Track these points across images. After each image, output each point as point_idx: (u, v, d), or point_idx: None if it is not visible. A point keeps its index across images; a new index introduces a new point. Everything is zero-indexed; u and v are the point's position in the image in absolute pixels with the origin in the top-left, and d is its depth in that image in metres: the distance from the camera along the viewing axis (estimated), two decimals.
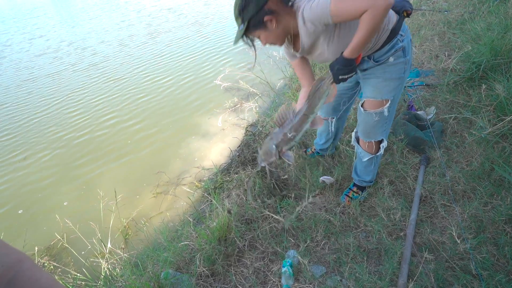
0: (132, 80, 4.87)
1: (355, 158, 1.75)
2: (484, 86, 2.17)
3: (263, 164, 1.29)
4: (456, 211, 1.55)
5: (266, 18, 1.11)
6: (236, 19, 1.14)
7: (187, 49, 5.80)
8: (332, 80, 1.18)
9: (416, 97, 2.52)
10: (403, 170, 1.91)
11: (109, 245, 2.01)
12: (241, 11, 1.10)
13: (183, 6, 9.54)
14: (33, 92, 5.08)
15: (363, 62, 1.32)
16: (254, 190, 1.87)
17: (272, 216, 1.69)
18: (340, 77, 1.13)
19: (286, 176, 1.92)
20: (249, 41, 1.19)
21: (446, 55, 2.96)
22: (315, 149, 2.14)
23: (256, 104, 3.46)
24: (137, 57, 5.78)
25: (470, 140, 1.93)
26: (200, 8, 8.77)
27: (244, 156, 2.36)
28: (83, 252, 2.08)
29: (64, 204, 2.69)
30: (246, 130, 3.01)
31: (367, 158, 1.60)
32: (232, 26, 6.55)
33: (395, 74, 1.29)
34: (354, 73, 1.13)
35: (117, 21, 8.77)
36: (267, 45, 1.22)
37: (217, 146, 3.04)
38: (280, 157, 1.25)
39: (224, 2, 9.07)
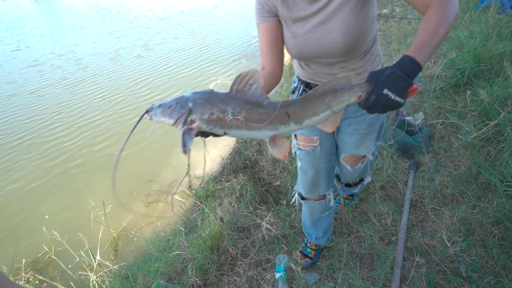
0: (123, 94, 4.82)
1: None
2: (468, 92, 2.22)
3: (153, 116, 0.71)
4: (445, 214, 1.57)
5: None
6: None
7: (180, 60, 5.80)
8: (364, 91, 0.68)
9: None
10: (394, 175, 1.93)
11: (98, 257, 1.96)
12: None
13: (176, 16, 9.58)
14: (22, 107, 4.91)
15: None
16: (247, 197, 1.87)
17: (264, 224, 1.68)
18: (387, 91, 0.63)
19: (278, 183, 1.92)
20: None
21: (432, 62, 3.04)
22: (316, 246, 1.56)
23: None
24: (128, 69, 5.72)
25: (457, 145, 1.97)
26: (193, 18, 8.83)
27: (236, 163, 2.36)
28: (70, 266, 2.02)
29: (47, 217, 2.62)
30: (237, 140, 3.01)
31: (348, 194, 1.51)
32: (224, 36, 6.61)
33: (377, 124, 1.13)
34: (403, 100, 0.64)
35: (109, 31, 8.67)
36: None
37: (208, 154, 3.02)
38: (179, 128, 0.68)
39: (218, 13, 9.17)
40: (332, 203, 1.37)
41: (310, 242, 1.55)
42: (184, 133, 0.65)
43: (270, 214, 1.70)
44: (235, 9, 8.71)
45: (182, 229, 1.95)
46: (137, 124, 0.72)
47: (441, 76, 2.65)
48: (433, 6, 0.72)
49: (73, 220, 2.53)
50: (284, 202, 1.85)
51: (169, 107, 0.68)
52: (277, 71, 0.96)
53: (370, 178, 1.45)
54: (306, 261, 1.51)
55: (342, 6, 0.85)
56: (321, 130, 1.05)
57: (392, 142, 2.07)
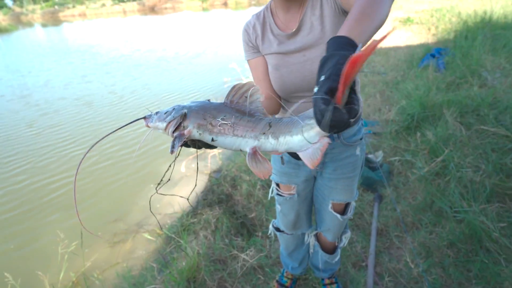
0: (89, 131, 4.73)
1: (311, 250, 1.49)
2: (418, 134, 2.56)
3: (149, 123, 0.74)
4: (408, 240, 1.71)
5: None
6: None
7: (151, 96, 5.90)
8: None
9: (365, 143, 2.85)
10: (360, 207, 2.08)
11: None
12: None
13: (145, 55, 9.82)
14: None
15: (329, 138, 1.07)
16: (222, 230, 1.88)
17: (241, 255, 1.69)
18: (331, 130, 0.52)
19: (253, 215, 1.97)
20: None
21: (387, 108, 3.45)
22: (292, 276, 1.59)
23: (220, 150, 3.57)
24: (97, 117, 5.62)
25: (413, 178, 2.20)
26: (167, 54, 9.10)
27: (211, 198, 2.38)
28: None
29: None
30: (210, 176, 3.05)
31: (326, 258, 1.40)
32: (193, 72, 6.88)
33: (359, 167, 1.15)
34: (346, 120, 0.50)
35: (82, 74, 8.02)
36: None
37: (181, 192, 3.00)
38: (169, 133, 0.70)
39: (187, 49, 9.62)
40: (307, 240, 1.42)
41: (286, 272, 1.58)
42: (175, 137, 0.67)
43: (246, 244, 1.73)
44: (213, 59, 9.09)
45: (155, 265, 1.87)
46: (127, 124, 0.75)
47: (395, 120, 3.00)
48: None
49: (27, 264, 2.31)
50: (260, 234, 1.89)
51: (165, 113, 0.71)
52: (276, 95, 0.99)
53: (349, 232, 1.38)
54: None
55: (320, 39, 0.88)
56: (298, 179, 1.16)
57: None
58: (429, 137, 2.39)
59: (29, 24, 32.07)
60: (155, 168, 3.47)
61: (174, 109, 0.70)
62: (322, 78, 0.49)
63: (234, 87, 0.68)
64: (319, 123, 0.51)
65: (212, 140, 0.69)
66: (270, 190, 1.28)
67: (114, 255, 2.34)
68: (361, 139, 1.10)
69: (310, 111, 0.61)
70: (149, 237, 2.43)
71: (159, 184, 0.89)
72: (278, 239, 1.49)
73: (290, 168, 1.15)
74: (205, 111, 0.68)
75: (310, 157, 0.65)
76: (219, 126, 0.67)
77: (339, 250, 1.40)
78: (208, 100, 0.72)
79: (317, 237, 1.40)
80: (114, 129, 0.76)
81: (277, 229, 1.40)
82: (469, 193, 1.85)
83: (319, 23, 0.88)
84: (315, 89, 0.50)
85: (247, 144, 0.69)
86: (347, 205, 1.21)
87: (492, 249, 1.52)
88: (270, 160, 1.09)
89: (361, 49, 0.48)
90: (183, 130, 0.68)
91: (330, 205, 1.19)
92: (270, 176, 0.68)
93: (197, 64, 8.09)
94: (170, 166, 0.86)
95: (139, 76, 7.30)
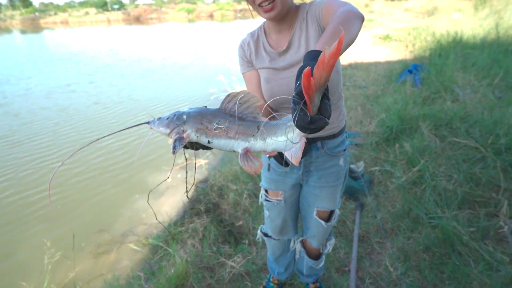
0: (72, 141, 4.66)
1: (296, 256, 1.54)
2: (397, 145, 2.70)
3: (152, 126, 0.81)
4: (387, 245, 1.81)
5: None
6: None
7: (136, 106, 5.86)
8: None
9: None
10: (343, 214, 2.17)
11: None
12: None
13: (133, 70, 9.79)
14: None
15: (314, 148, 1.14)
16: (210, 238, 1.91)
17: (228, 262, 1.73)
18: (304, 130, 0.59)
19: (240, 223, 2.02)
20: None
21: (368, 121, 3.61)
22: (278, 281, 1.64)
23: (207, 161, 3.61)
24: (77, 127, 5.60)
25: (392, 187, 2.32)
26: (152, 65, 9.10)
27: (198, 208, 2.41)
28: None
29: None
30: (196, 186, 3.07)
31: (311, 264, 1.46)
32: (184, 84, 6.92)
33: (343, 177, 1.23)
34: (321, 121, 0.56)
35: (66, 83, 7.85)
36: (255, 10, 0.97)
37: (167, 201, 3.01)
38: (172, 137, 0.77)
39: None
40: (292, 246, 1.48)
41: (272, 277, 1.63)
42: (176, 140, 0.74)
43: (233, 252, 1.76)
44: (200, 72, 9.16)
45: (141, 274, 1.87)
46: (130, 127, 0.82)
47: (375, 132, 3.16)
48: (334, 17, 0.78)
49: (12, 274, 2.24)
50: (247, 241, 1.93)
51: (167, 119, 0.78)
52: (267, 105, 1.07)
53: (333, 238, 1.44)
54: None
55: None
56: (285, 186, 1.24)
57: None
58: (406, 148, 2.54)
59: (7, 30, 31.18)
60: (139, 179, 3.46)
61: (175, 115, 0.77)
62: (297, 84, 0.57)
63: (229, 94, 0.75)
64: (294, 122, 0.57)
65: (208, 142, 0.76)
66: (260, 195, 1.35)
67: (98, 266, 2.31)
68: (344, 150, 1.18)
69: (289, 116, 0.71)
70: (134, 247, 2.42)
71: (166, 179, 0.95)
72: (266, 245, 1.54)
73: (277, 175, 1.23)
74: (202, 116, 0.75)
75: (293, 155, 0.72)
76: (215, 130, 0.74)
77: (323, 256, 1.46)
78: (205, 106, 0.80)
79: (303, 243, 1.46)
80: (117, 130, 0.83)
81: (265, 234, 1.46)
82: (442, 201, 1.97)
83: (305, 43, 0.99)
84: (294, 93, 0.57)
85: (239, 145, 0.76)
86: (331, 212, 1.28)
87: (463, 252, 1.64)
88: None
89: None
90: (182, 134, 0.75)
91: (315, 212, 1.26)
92: (259, 173, 0.75)
93: (183, 76, 8.14)
94: (172, 166, 0.93)
95: (125, 86, 7.24)
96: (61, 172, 3.63)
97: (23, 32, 29.00)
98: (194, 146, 0.78)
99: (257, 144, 0.76)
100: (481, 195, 1.99)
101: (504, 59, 4.00)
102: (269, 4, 0.91)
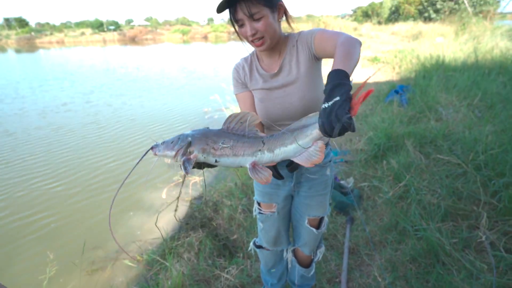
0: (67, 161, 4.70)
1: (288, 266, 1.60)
2: (384, 162, 2.84)
3: (157, 152, 0.84)
4: (376, 257, 1.89)
5: (279, 3, 1.04)
6: None
7: (134, 125, 5.93)
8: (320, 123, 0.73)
9: (338, 170, 3.10)
10: (334, 228, 2.25)
11: None
12: None
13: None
14: None
15: None
16: (205, 252, 1.96)
17: (223, 275, 1.78)
18: (329, 128, 0.71)
19: (235, 237, 2.08)
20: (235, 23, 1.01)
21: (357, 139, 3.76)
22: None
23: (202, 178, 3.67)
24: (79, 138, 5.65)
25: (380, 202, 2.43)
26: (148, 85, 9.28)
27: (193, 223, 2.46)
28: None
29: None
30: (191, 203, 3.12)
31: (303, 272, 1.52)
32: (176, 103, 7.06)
33: (330, 186, 1.32)
34: (347, 118, 0.69)
35: (62, 102, 7.94)
36: (251, 36, 1.00)
37: (163, 218, 3.04)
38: (179, 159, 0.81)
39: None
40: (285, 256, 1.54)
41: None
42: (184, 162, 0.78)
43: (228, 265, 1.82)
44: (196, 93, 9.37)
45: None
46: (141, 158, 0.85)
47: (364, 149, 3.30)
48: (338, 45, 0.89)
49: None
50: (241, 255, 1.99)
51: (172, 142, 0.81)
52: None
53: (323, 246, 1.52)
54: None
55: (297, 79, 1.08)
56: (278, 198, 1.31)
57: (331, 202, 2.46)
58: (393, 165, 2.67)
59: (2, 50, 31.37)
60: (133, 198, 3.49)
61: (179, 138, 0.82)
62: (338, 98, 0.70)
63: (230, 115, 0.82)
64: (331, 126, 0.70)
65: (216, 161, 0.81)
66: (253, 209, 1.43)
67: (93, 283, 2.32)
68: (330, 161, 1.30)
69: (289, 127, 0.82)
70: (129, 263, 2.44)
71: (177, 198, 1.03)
72: (258, 257, 1.61)
73: (271, 188, 1.32)
74: (207, 137, 0.81)
75: (306, 159, 0.80)
76: (221, 149, 0.80)
77: (314, 264, 1.53)
78: (207, 127, 0.86)
79: (294, 252, 1.53)
80: (133, 166, 0.90)
81: (259, 246, 1.53)
82: (427, 214, 2.08)
83: (296, 66, 1.10)
84: (326, 104, 0.71)
85: (246, 161, 0.82)
86: (321, 219, 1.38)
87: (447, 261, 1.73)
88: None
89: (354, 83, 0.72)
90: (189, 155, 0.80)
91: (306, 221, 1.35)
92: (269, 181, 0.82)
93: (179, 95, 8.30)
94: (182, 182, 1.00)
95: (121, 106, 7.32)
96: (55, 192, 3.64)
97: (17, 51, 29.20)
98: (202, 165, 0.84)
99: (264, 156, 0.82)
100: (463, 208, 2.11)
101: (482, 81, 4.27)
102: (259, 40, 1.01)
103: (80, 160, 4.46)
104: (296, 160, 0.81)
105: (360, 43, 0.90)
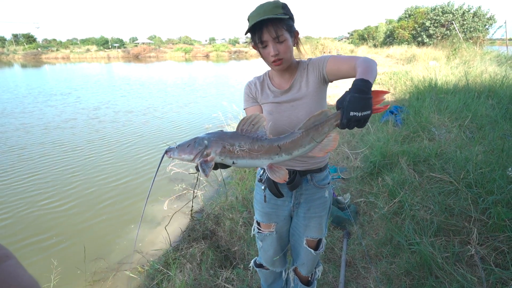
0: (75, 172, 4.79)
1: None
2: (380, 179, 2.95)
3: (172, 155, 0.87)
4: (372, 270, 1.97)
5: (296, 30, 1.16)
6: (276, 7, 1.08)
7: (138, 143, 6.03)
8: (338, 119, 0.84)
9: (335, 186, 3.20)
10: (331, 242, 2.34)
11: None
12: (284, 7, 1.11)
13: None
14: None
15: (304, 181, 1.30)
16: (208, 262, 2.04)
17: (225, 285, 1.85)
18: (352, 113, 0.79)
19: (236, 248, 2.16)
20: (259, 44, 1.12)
21: (354, 156, 3.89)
22: None
23: (204, 191, 3.76)
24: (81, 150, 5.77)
25: (376, 217, 2.52)
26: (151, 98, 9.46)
27: (195, 235, 2.54)
28: None
29: None
30: (192, 217, 3.19)
31: None
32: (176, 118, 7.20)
33: (328, 207, 1.37)
34: (369, 112, 0.81)
35: (62, 119, 8.00)
36: (273, 56, 1.12)
37: (163, 231, 3.10)
38: (196, 162, 0.84)
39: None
40: (284, 276, 1.59)
41: None
42: (202, 164, 0.81)
43: (229, 274, 1.89)
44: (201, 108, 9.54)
45: None
46: (160, 163, 0.89)
47: (360, 167, 3.42)
48: (358, 63, 1.00)
49: None
50: (242, 266, 2.06)
51: (188, 146, 0.84)
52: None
53: (321, 265, 1.57)
54: None
55: (305, 95, 1.19)
56: (278, 218, 1.37)
57: (327, 216, 2.55)
58: (388, 182, 2.79)
59: (9, 64, 31.94)
60: (134, 210, 3.56)
61: (195, 141, 0.85)
62: (368, 94, 0.83)
63: (243, 119, 0.87)
64: (356, 111, 0.79)
65: (233, 163, 0.85)
66: (252, 228, 1.48)
67: None
68: (328, 183, 1.36)
69: (299, 127, 0.90)
70: (131, 274, 2.49)
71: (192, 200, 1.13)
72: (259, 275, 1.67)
73: (270, 208, 1.39)
74: (223, 140, 0.84)
75: (320, 150, 0.87)
76: (237, 152, 0.83)
77: (315, 282, 1.57)
78: (221, 130, 0.92)
79: (295, 271, 1.56)
80: (155, 173, 0.95)
81: (259, 266, 1.60)
82: (420, 229, 2.18)
83: (305, 85, 1.21)
84: (356, 94, 0.81)
85: (263, 163, 0.87)
86: (319, 241, 1.42)
87: (439, 275, 1.81)
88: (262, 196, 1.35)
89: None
90: (206, 157, 0.83)
91: (304, 241, 1.39)
92: (287, 179, 0.89)
93: (183, 113, 8.45)
94: (196, 182, 1.11)
95: (125, 123, 7.38)
96: (56, 206, 3.70)
97: (23, 66, 29.71)
98: (217, 166, 0.89)
99: (281, 158, 0.87)
100: (455, 224, 2.20)
101: (473, 103, 4.46)
102: (279, 60, 1.14)
103: (84, 176, 4.54)
104: (311, 153, 0.89)
105: (376, 63, 1.01)
